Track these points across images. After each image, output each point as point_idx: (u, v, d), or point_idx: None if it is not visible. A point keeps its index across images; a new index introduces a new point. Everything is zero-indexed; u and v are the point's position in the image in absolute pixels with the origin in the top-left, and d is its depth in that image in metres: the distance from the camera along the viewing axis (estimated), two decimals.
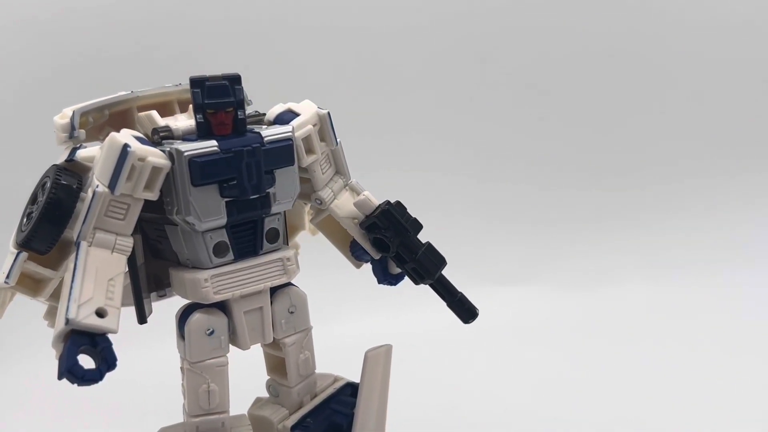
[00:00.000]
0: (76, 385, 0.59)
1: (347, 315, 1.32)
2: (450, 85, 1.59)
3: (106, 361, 0.60)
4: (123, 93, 0.74)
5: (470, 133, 1.59)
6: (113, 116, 0.73)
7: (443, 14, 1.57)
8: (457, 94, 1.59)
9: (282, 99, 0.76)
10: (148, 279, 0.74)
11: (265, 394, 0.80)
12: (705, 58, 1.70)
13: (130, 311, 0.71)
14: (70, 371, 0.58)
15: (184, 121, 0.71)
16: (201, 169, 0.64)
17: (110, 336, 0.61)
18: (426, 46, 1.56)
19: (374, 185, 0.78)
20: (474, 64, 1.60)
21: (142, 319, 0.71)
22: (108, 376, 0.61)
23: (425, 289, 0.79)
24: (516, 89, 1.62)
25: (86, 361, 0.60)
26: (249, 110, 0.76)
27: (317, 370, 0.79)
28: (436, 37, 1.57)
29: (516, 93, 1.62)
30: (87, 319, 0.59)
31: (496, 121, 1.61)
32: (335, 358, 0.83)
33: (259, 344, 0.75)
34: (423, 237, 0.77)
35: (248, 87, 0.77)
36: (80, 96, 0.73)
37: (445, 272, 0.79)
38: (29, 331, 0.89)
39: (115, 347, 0.61)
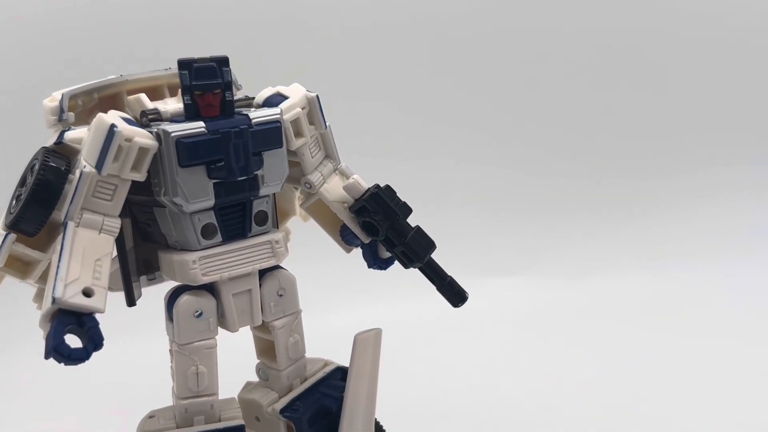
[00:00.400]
0: (62, 364, 0.59)
1: (338, 301, 1.32)
2: (446, 72, 1.59)
3: (93, 340, 0.60)
4: (112, 77, 0.74)
5: (466, 122, 1.60)
6: (102, 100, 0.73)
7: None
8: (453, 81, 1.59)
9: (273, 83, 0.76)
10: (137, 263, 0.74)
11: (255, 378, 0.80)
12: (707, 50, 1.71)
13: (120, 295, 0.71)
14: (56, 350, 0.58)
15: (173, 104, 0.71)
16: (188, 150, 0.64)
17: (100, 318, 0.62)
18: (421, 30, 1.56)
19: (368, 173, 0.78)
20: (470, 49, 1.60)
21: (131, 301, 0.71)
22: (98, 359, 0.61)
23: (418, 277, 0.79)
24: (513, 77, 1.63)
25: (73, 341, 0.60)
26: (239, 95, 0.77)
27: (308, 355, 0.80)
28: (430, 21, 1.57)
29: (513, 81, 1.63)
30: (73, 298, 0.60)
31: (492, 110, 1.61)
32: (326, 344, 0.83)
33: (248, 328, 0.75)
34: (418, 224, 0.77)
35: (241, 73, 0.78)
36: (72, 81, 0.74)
37: (441, 261, 0.79)
38: (21, 319, 0.89)
39: (104, 330, 0.61)
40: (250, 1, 1.46)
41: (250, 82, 0.79)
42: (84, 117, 0.73)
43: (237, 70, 0.78)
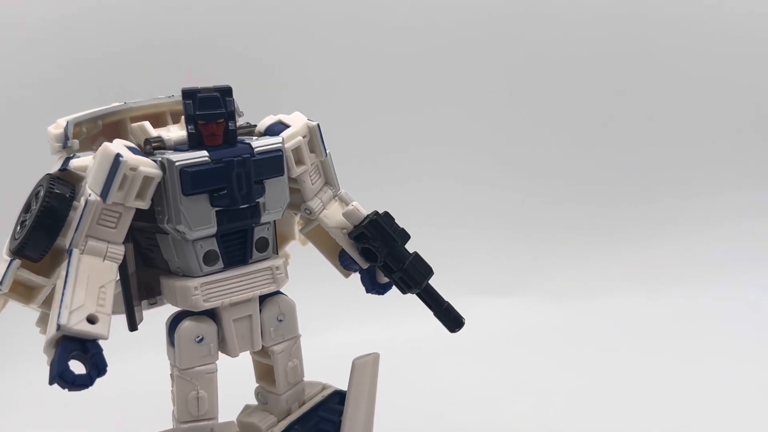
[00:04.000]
0: (66, 390, 0.60)
1: (336, 324, 1.32)
2: (439, 93, 1.60)
3: (97, 366, 0.61)
4: (116, 104, 0.75)
5: (458, 144, 1.60)
6: (106, 127, 0.75)
7: (432, 18, 1.58)
8: (447, 102, 1.60)
9: (276, 111, 0.77)
10: (139, 287, 0.75)
11: (254, 402, 0.81)
12: (699, 73, 1.72)
13: (122, 319, 0.72)
14: (60, 376, 0.59)
15: (176, 132, 0.72)
16: (192, 179, 0.65)
17: (102, 342, 0.62)
18: (414, 52, 1.58)
19: (362, 196, 0.80)
20: (465, 70, 1.61)
21: (132, 326, 0.72)
22: (99, 382, 0.62)
23: (413, 300, 0.80)
24: (507, 98, 1.64)
25: (77, 367, 0.61)
26: (240, 122, 0.78)
27: (306, 378, 0.81)
28: (427, 44, 1.58)
29: (507, 102, 1.64)
30: (78, 325, 0.60)
31: (486, 131, 1.62)
32: (324, 367, 0.84)
33: (248, 352, 0.76)
34: (411, 247, 0.78)
35: (241, 99, 0.79)
36: (76, 104, 0.75)
37: (433, 283, 0.80)
38: (21, 338, 0.89)
39: (106, 354, 0.62)
40: (251, 28, 1.47)
41: (251, 109, 0.81)
42: (88, 143, 0.74)
43: (237, 97, 0.80)
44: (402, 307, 0.94)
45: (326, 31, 1.51)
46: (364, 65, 1.55)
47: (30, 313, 0.74)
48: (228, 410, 0.77)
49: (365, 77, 1.55)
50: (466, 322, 0.81)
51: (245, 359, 0.79)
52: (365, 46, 1.54)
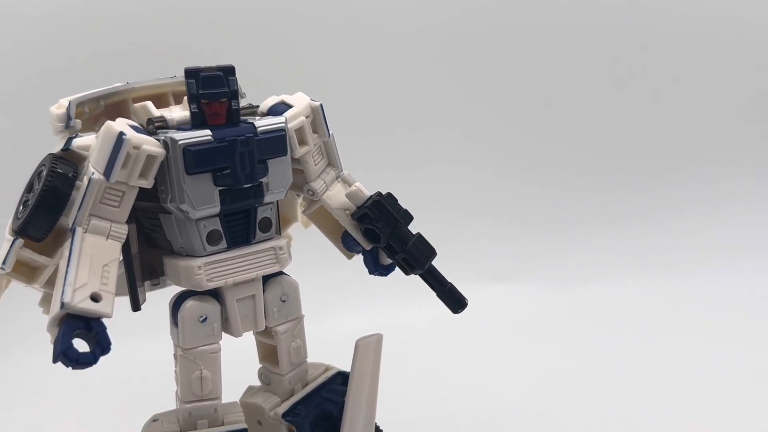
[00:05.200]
0: (70, 368, 0.60)
1: (340, 308, 1.33)
2: (443, 79, 1.60)
3: (101, 344, 0.61)
4: (119, 84, 0.75)
5: (462, 131, 1.60)
6: (109, 107, 0.74)
7: (437, 9, 1.58)
8: (450, 88, 1.60)
9: (279, 93, 0.77)
10: (142, 268, 0.75)
11: (257, 383, 0.81)
12: (699, 61, 1.72)
13: (126, 301, 0.72)
14: (64, 354, 0.59)
15: (178, 112, 0.72)
16: (195, 158, 0.65)
17: (107, 322, 0.62)
18: (418, 37, 1.57)
19: (366, 181, 0.79)
20: (469, 56, 1.61)
21: (136, 306, 0.72)
22: (103, 363, 0.62)
23: (416, 284, 0.80)
24: (510, 85, 1.64)
25: (81, 345, 0.61)
26: (243, 103, 0.78)
27: (309, 360, 0.81)
28: (427, 27, 1.58)
29: (510, 88, 1.64)
30: (82, 303, 0.60)
31: (489, 118, 1.62)
32: (328, 350, 0.84)
33: (251, 333, 0.76)
34: (419, 231, 0.78)
35: (247, 81, 0.79)
36: (78, 88, 0.74)
37: (438, 268, 0.80)
38: (24, 323, 0.90)
39: (110, 334, 0.62)
40: (254, 8, 1.47)
41: (254, 90, 0.81)
42: (90, 124, 0.74)
43: (241, 79, 0.80)
44: (405, 291, 0.94)
45: (329, 13, 1.51)
46: (368, 49, 1.55)
47: (33, 298, 0.74)
48: (232, 391, 0.78)
49: (370, 61, 1.55)
50: (470, 308, 0.81)
51: (249, 340, 0.79)
52: (371, 29, 1.54)
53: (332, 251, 0.83)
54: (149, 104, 0.72)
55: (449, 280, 0.80)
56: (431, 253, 0.78)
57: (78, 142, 0.68)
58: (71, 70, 1.33)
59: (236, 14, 1.46)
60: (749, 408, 1.05)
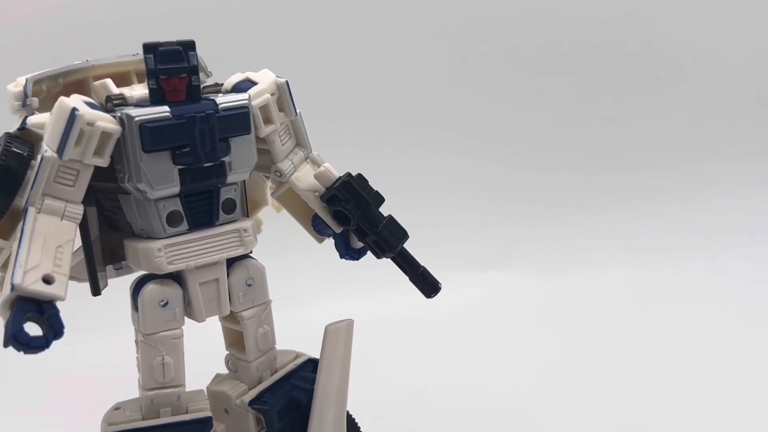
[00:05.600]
0: (22, 352, 0.58)
1: (313, 294, 1.31)
2: (425, 66, 1.58)
3: (53, 328, 0.59)
4: (78, 62, 0.72)
5: (447, 117, 1.59)
6: (68, 86, 0.72)
7: None
8: (434, 72, 1.58)
9: (244, 70, 0.75)
10: (104, 252, 0.73)
11: (225, 370, 0.78)
12: (691, 47, 1.71)
13: (87, 286, 0.70)
14: (15, 338, 0.57)
15: (139, 90, 0.69)
16: (152, 135, 0.62)
17: (67, 309, 0.60)
18: (402, 18, 1.56)
19: (347, 166, 0.77)
20: (453, 40, 1.59)
21: (96, 291, 0.70)
22: (62, 349, 0.60)
23: (393, 270, 0.78)
24: (496, 71, 1.62)
25: (33, 329, 0.59)
26: (209, 82, 0.76)
27: (280, 347, 0.79)
28: (411, 10, 1.56)
29: (496, 74, 1.62)
30: (33, 285, 0.58)
31: (475, 103, 1.61)
32: (300, 337, 0.82)
33: (217, 318, 0.74)
34: (390, 214, 0.76)
35: (212, 60, 0.77)
36: (38, 66, 0.72)
37: (422, 255, 0.78)
38: None
39: (70, 321, 0.60)
40: None
41: (221, 70, 0.78)
42: (49, 103, 0.71)
43: (208, 57, 0.77)
44: (382, 276, 0.92)
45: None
46: (344, 32, 1.53)
47: None
48: (199, 379, 0.76)
49: (345, 43, 1.53)
50: (451, 295, 0.79)
51: (216, 326, 0.77)
52: (348, 14, 1.52)
53: (304, 236, 0.81)
54: (109, 82, 0.70)
55: (423, 265, 0.78)
56: (403, 235, 0.76)
57: (33, 120, 0.66)
58: (29, 48, 1.30)
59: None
60: (739, 396, 1.04)
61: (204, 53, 0.74)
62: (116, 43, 0.81)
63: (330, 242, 0.81)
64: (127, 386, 0.75)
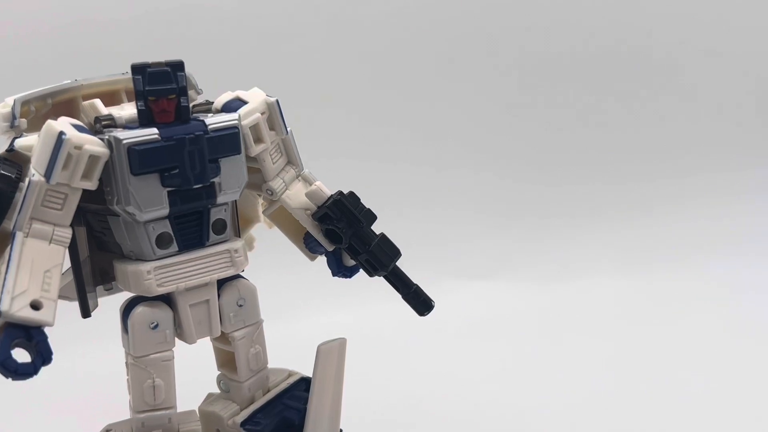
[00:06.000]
0: (9, 379, 0.58)
1: (305, 311, 1.30)
2: (419, 76, 1.57)
3: (41, 354, 0.59)
4: (67, 81, 0.72)
5: (440, 126, 1.59)
6: (57, 106, 0.71)
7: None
8: (427, 84, 1.58)
9: (234, 88, 0.74)
10: (94, 273, 0.72)
11: (217, 390, 0.78)
12: (686, 55, 1.71)
13: (76, 306, 0.70)
14: (2, 365, 0.57)
15: (129, 110, 0.69)
16: (140, 158, 0.62)
17: (56, 328, 0.60)
18: (389, 30, 1.55)
19: (340, 179, 0.77)
20: (445, 50, 1.59)
21: (85, 313, 0.70)
22: (52, 370, 0.59)
23: (384, 285, 0.78)
24: (491, 81, 1.62)
25: (21, 355, 0.58)
26: (199, 99, 0.75)
27: (272, 366, 0.78)
28: (398, 19, 1.56)
29: (491, 85, 1.62)
30: (21, 311, 0.58)
31: (466, 115, 1.60)
32: (292, 355, 0.82)
33: (209, 339, 0.74)
34: (395, 233, 0.76)
35: (202, 77, 0.77)
36: (27, 86, 0.72)
37: (412, 266, 0.78)
38: None
39: (59, 342, 0.60)
40: (213, 5, 1.44)
41: (212, 87, 0.78)
42: (37, 123, 0.70)
43: (198, 75, 0.77)
44: (374, 292, 0.91)
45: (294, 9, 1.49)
46: (338, 46, 1.52)
47: None
48: (191, 399, 0.76)
49: (339, 57, 1.53)
50: (445, 306, 0.78)
51: (208, 347, 0.76)
52: (340, 25, 1.52)
53: (295, 252, 0.81)
54: (97, 102, 0.69)
55: (416, 282, 0.78)
56: (395, 254, 0.76)
57: (21, 142, 0.65)
58: (18, 68, 1.30)
59: (197, 11, 1.43)
60: (739, 405, 1.03)
61: (194, 70, 0.74)
62: (105, 62, 0.81)
63: (321, 257, 0.80)
64: (118, 407, 0.75)
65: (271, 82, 0.83)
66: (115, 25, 1.37)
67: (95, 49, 1.33)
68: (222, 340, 0.74)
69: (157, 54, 0.73)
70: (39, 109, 0.70)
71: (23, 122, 0.68)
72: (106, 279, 0.73)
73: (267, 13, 1.47)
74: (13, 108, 0.67)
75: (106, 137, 0.63)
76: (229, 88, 0.74)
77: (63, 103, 0.72)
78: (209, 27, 1.44)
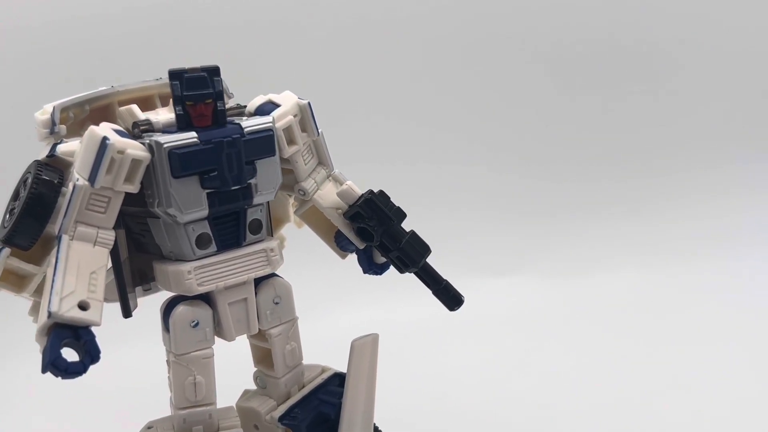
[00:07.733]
0: (60, 378, 0.59)
1: (336, 307, 1.32)
2: (436, 75, 1.59)
3: (90, 353, 0.60)
4: (103, 88, 0.74)
5: (457, 124, 1.60)
6: (94, 112, 0.73)
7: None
8: (443, 84, 1.59)
9: (267, 91, 0.76)
10: (132, 273, 0.74)
11: (253, 386, 0.80)
12: (694, 50, 1.72)
13: (117, 307, 0.71)
14: (53, 364, 0.58)
15: (164, 114, 0.70)
16: (181, 161, 0.64)
17: (98, 330, 0.61)
18: (410, 34, 1.56)
19: (361, 177, 0.78)
20: (459, 51, 1.60)
21: (126, 313, 0.71)
22: (95, 370, 0.61)
23: (413, 281, 0.79)
24: (502, 80, 1.63)
25: (70, 354, 0.60)
26: (231, 103, 0.77)
27: (305, 362, 0.80)
28: (417, 23, 1.57)
29: (503, 83, 1.63)
30: (69, 312, 0.59)
31: (482, 112, 1.61)
32: (324, 350, 0.84)
33: (245, 336, 0.75)
34: (410, 229, 0.77)
35: (234, 80, 0.78)
36: (63, 93, 0.73)
37: (435, 263, 0.79)
38: (18, 330, 0.88)
39: (101, 340, 0.61)
40: (242, 8, 1.46)
41: (242, 90, 0.79)
42: (75, 129, 0.73)
43: (229, 79, 0.78)
44: (402, 288, 0.93)
45: (315, 11, 1.50)
46: (358, 47, 1.53)
47: (24, 303, 0.73)
48: (228, 395, 0.77)
49: (360, 58, 1.54)
50: (468, 302, 0.80)
51: (243, 343, 0.78)
52: (364, 27, 1.53)
53: (325, 250, 0.82)
54: (134, 107, 0.71)
55: (445, 278, 0.79)
56: (425, 250, 0.77)
57: (63, 147, 0.67)
58: (56, 76, 1.31)
59: (224, 15, 1.45)
60: (752, 401, 1.04)
61: (224, 74, 0.75)
62: (139, 67, 0.82)
63: (352, 255, 0.82)
64: (159, 404, 0.76)
65: (297, 85, 0.84)
66: (143, 31, 1.38)
67: (125, 55, 1.35)
68: (259, 338, 0.76)
69: (184, 58, 0.75)
70: (77, 116, 0.72)
71: (63, 128, 0.70)
72: (145, 279, 0.75)
73: (289, 19, 1.49)
74: (52, 114, 0.69)
75: (147, 141, 0.64)
76: (255, 92, 0.76)
77: (100, 108, 0.74)
78: (239, 26, 1.45)
